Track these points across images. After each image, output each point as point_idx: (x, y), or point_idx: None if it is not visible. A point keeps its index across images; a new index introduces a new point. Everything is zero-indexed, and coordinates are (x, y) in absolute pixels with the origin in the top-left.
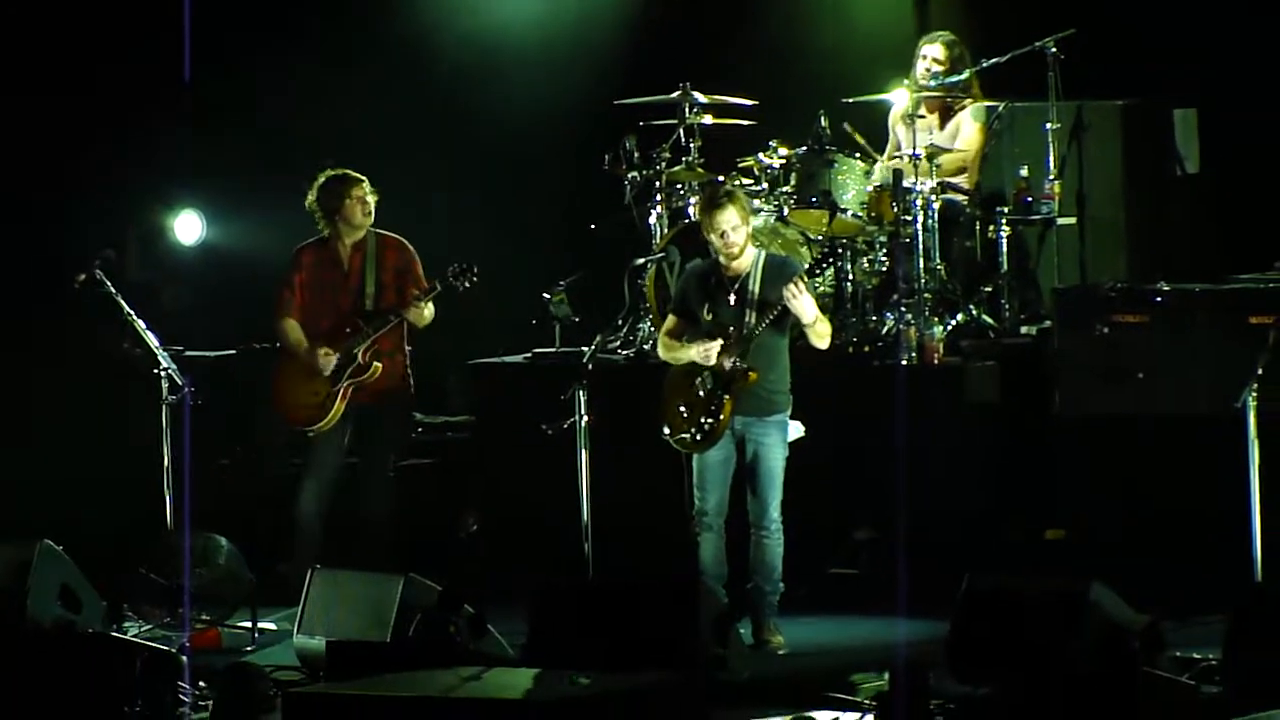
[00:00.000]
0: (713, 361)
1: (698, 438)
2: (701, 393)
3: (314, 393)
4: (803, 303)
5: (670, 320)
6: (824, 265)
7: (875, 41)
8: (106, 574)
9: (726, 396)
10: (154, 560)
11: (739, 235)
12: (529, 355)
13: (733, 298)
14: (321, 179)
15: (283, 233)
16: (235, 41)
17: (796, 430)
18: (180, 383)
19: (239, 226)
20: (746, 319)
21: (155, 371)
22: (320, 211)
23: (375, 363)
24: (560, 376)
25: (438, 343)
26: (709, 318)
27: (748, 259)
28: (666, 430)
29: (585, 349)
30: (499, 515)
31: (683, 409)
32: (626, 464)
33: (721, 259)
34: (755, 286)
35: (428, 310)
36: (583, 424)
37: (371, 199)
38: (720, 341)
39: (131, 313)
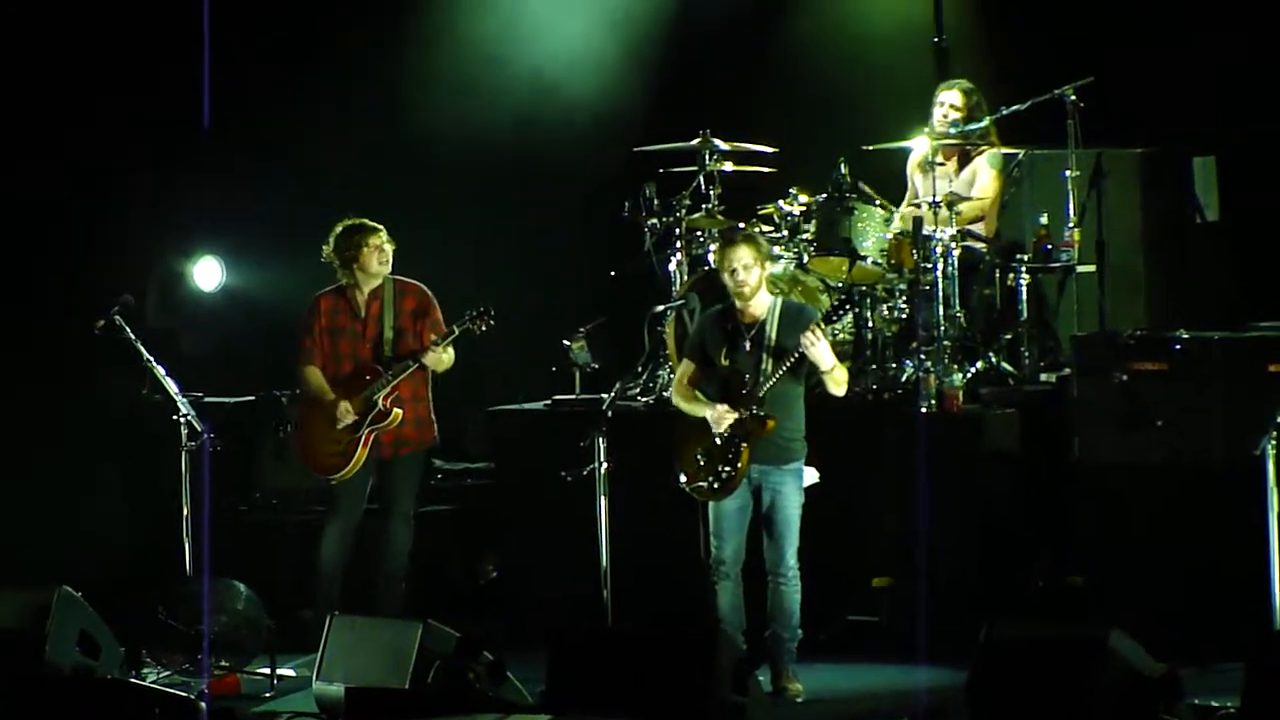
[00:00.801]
0: (722, 429)
1: (715, 486)
2: (719, 441)
3: (336, 440)
4: (820, 350)
5: (685, 365)
6: (841, 312)
7: (895, 89)
8: (125, 620)
9: (744, 445)
10: (172, 606)
11: (751, 275)
12: (549, 402)
13: (749, 344)
14: (339, 228)
15: (303, 278)
16: (256, 87)
17: (811, 476)
18: (199, 429)
19: (259, 272)
20: (763, 366)
21: (175, 418)
22: (338, 260)
23: (395, 409)
24: (580, 423)
25: (458, 389)
26: (726, 363)
27: (764, 305)
28: (684, 478)
29: (605, 396)
30: (518, 562)
31: (700, 457)
32: (645, 511)
33: (736, 302)
34: (772, 333)
35: (446, 355)
36: (602, 471)
37: (389, 247)
38: (734, 415)
39: (151, 359)
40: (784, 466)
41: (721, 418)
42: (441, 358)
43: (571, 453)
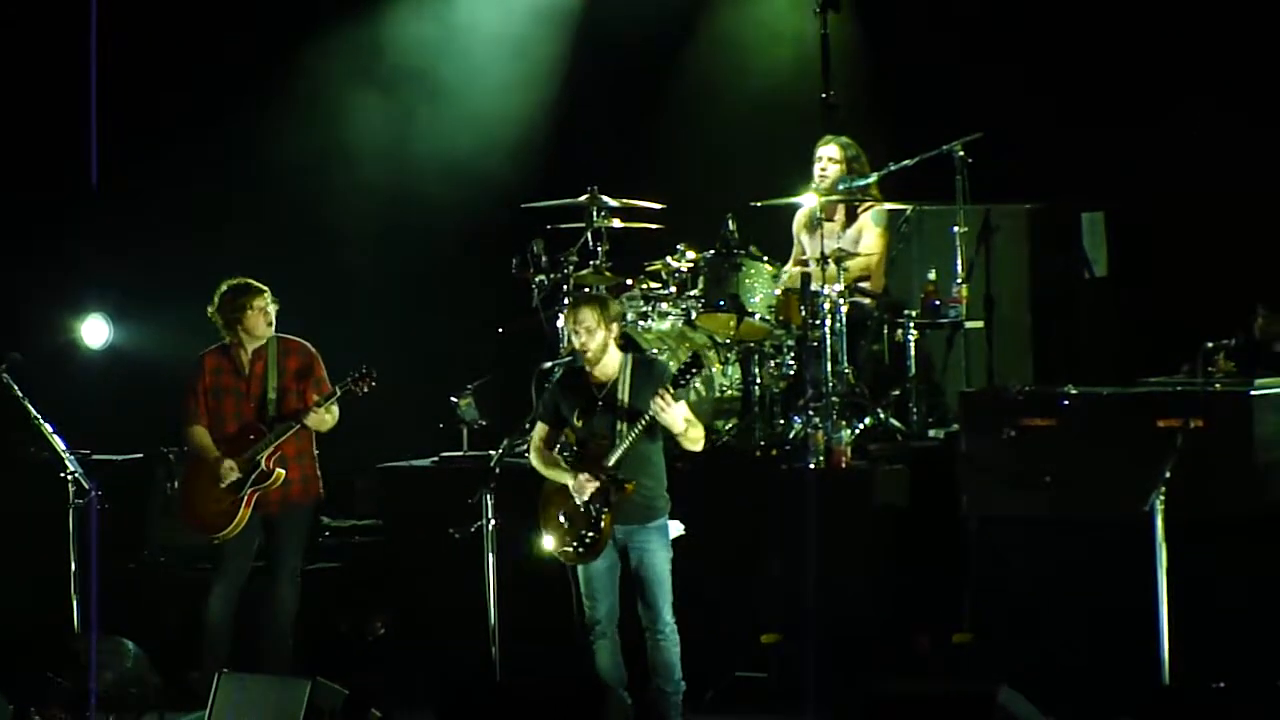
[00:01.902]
0: (585, 498)
1: (580, 550)
2: (580, 505)
3: (219, 500)
4: (672, 414)
5: (540, 429)
6: (689, 375)
7: (783, 146)
8: (13, 678)
9: (605, 510)
10: (61, 664)
11: (594, 338)
12: (437, 459)
13: (601, 404)
14: (223, 288)
15: (191, 336)
16: (143, 145)
17: (677, 529)
18: (87, 486)
19: (147, 330)
20: (618, 427)
21: (62, 475)
22: (221, 320)
23: (279, 469)
24: (468, 480)
25: (346, 446)
26: (579, 424)
27: (614, 364)
28: (549, 543)
29: (493, 453)
30: (407, 618)
31: (563, 520)
32: (533, 567)
33: (586, 365)
34: (624, 393)
35: (329, 415)
36: (490, 527)
37: (273, 309)
38: (595, 484)
39: (38, 416)
40: (648, 525)
41: (583, 487)
42: (324, 418)
43: (460, 510)
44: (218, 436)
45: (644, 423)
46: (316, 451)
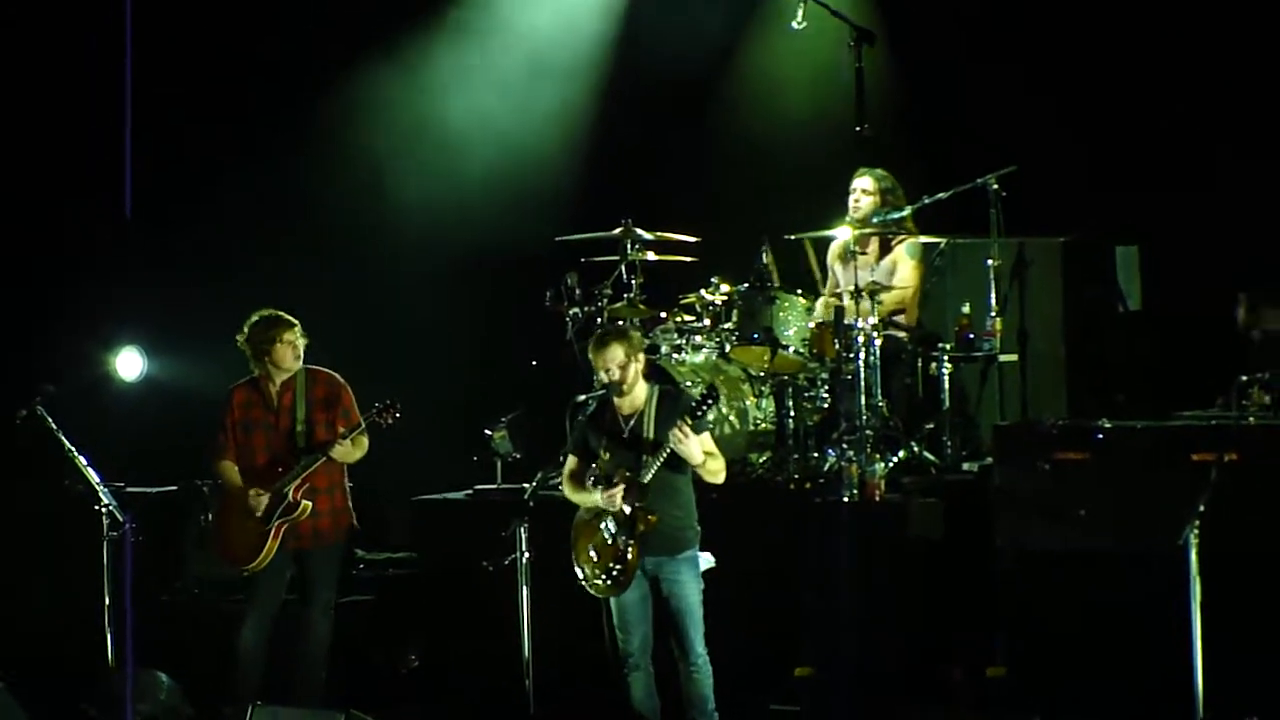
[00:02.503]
0: (617, 506)
1: (609, 582)
2: (608, 537)
3: (248, 532)
4: (690, 446)
5: (570, 462)
6: (705, 405)
7: (818, 179)
8: (48, 711)
9: (632, 541)
10: (95, 696)
11: (626, 373)
12: (471, 492)
13: (629, 436)
14: (253, 319)
15: (225, 368)
16: (177, 177)
17: (707, 561)
18: (121, 519)
19: (182, 362)
20: (644, 458)
21: (97, 508)
22: (250, 351)
23: (305, 501)
24: (502, 513)
25: (380, 479)
26: (606, 457)
27: (640, 396)
28: (580, 575)
29: (527, 486)
30: (440, 650)
31: (593, 553)
32: (567, 599)
33: (614, 397)
34: (650, 424)
35: (356, 447)
36: (524, 560)
37: (301, 342)
38: (622, 487)
39: (73, 449)
40: (677, 556)
41: (613, 496)
42: (350, 450)
43: (493, 542)
44: (248, 469)
45: (667, 453)
46: (350, 484)
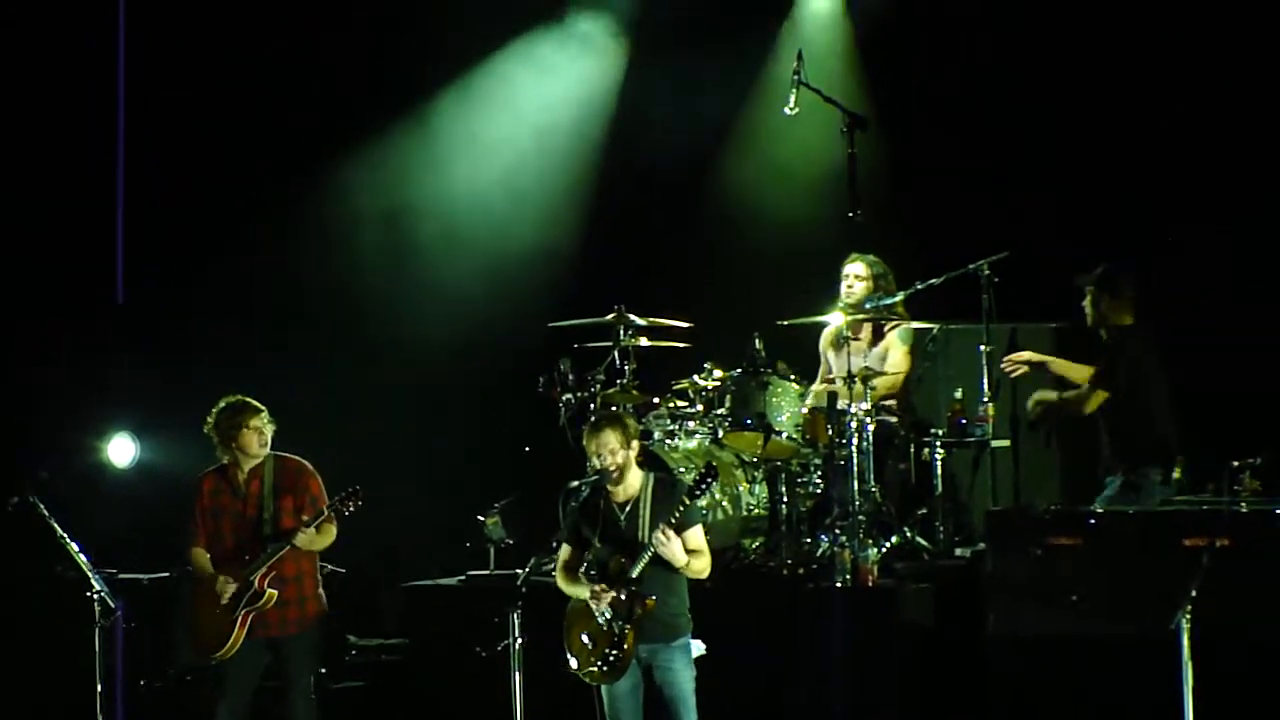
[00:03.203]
0: (604, 607)
1: (604, 669)
2: (603, 624)
3: (217, 620)
4: (673, 548)
5: (564, 551)
6: (704, 485)
7: (810, 265)
8: None
9: (628, 627)
10: None
11: (618, 458)
12: (463, 577)
13: (624, 523)
14: (221, 405)
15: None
16: (169, 261)
17: (699, 648)
18: (113, 605)
19: (173, 448)
20: (639, 547)
21: (88, 594)
22: (217, 439)
23: (271, 590)
24: (494, 599)
25: (372, 564)
26: (599, 546)
27: (636, 482)
28: (574, 664)
29: (519, 571)
30: None
31: (586, 640)
32: (560, 687)
33: (608, 485)
34: (645, 511)
35: (320, 535)
36: (516, 646)
37: (269, 429)
38: (611, 594)
39: (65, 535)
40: (672, 644)
41: (599, 597)
42: (315, 539)
43: (486, 628)
44: (218, 556)
45: (651, 554)
46: (326, 568)
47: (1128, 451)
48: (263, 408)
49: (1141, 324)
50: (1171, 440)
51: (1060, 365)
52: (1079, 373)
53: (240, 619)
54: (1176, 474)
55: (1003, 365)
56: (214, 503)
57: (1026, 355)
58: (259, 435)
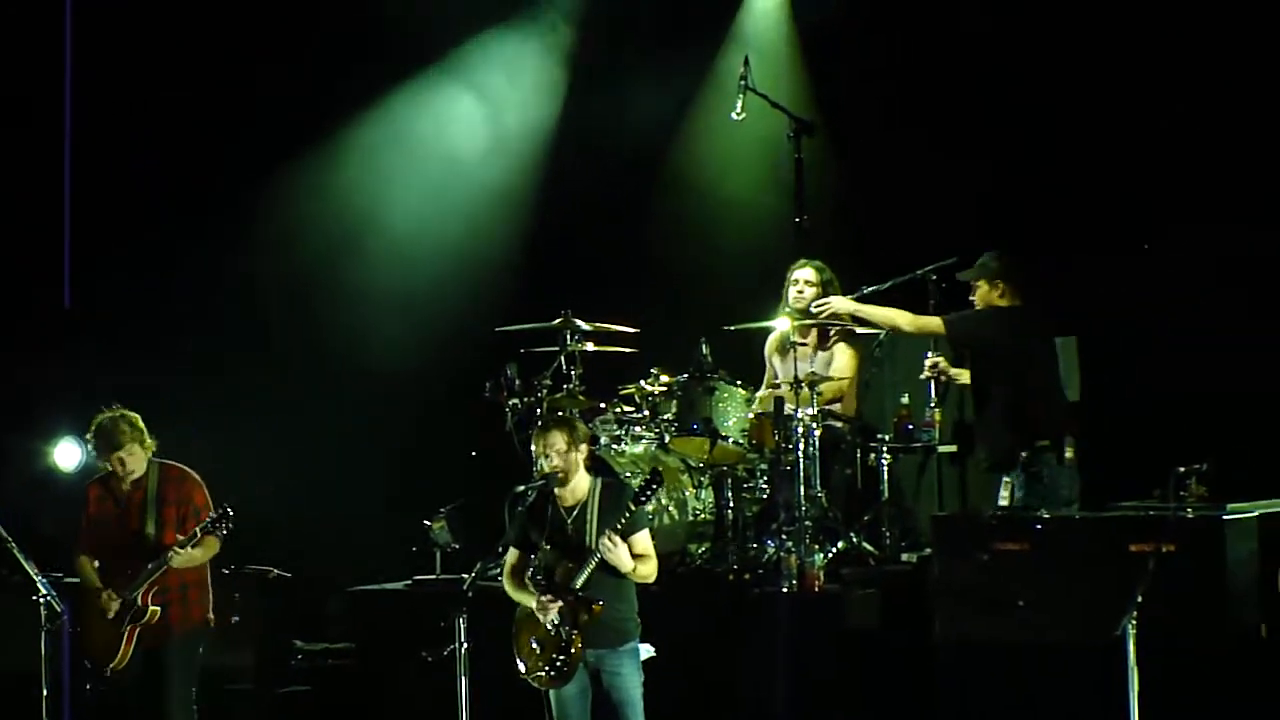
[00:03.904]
0: (550, 616)
1: (551, 674)
2: (551, 629)
3: (105, 632)
4: (619, 554)
5: (511, 555)
6: (649, 491)
7: (756, 270)
8: None
9: (575, 632)
10: None
11: (567, 460)
12: (409, 582)
13: (571, 528)
14: (100, 419)
15: (166, 455)
16: (116, 266)
17: (647, 651)
18: (59, 609)
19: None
20: (580, 563)
21: (35, 599)
22: (96, 452)
23: (154, 607)
24: (441, 603)
25: (318, 569)
26: (547, 549)
27: (583, 486)
28: (522, 668)
29: (465, 576)
30: None
31: (534, 645)
32: (507, 691)
33: (555, 488)
34: (593, 516)
35: (197, 552)
36: (463, 651)
37: (150, 445)
38: (558, 604)
39: (9, 539)
40: (619, 648)
41: (545, 607)
42: (192, 555)
43: (433, 633)
44: (103, 566)
45: (597, 560)
46: (206, 577)
47: (1019, 441)
48: (139, 427)
49: (1027, 308)
50: (1061, 422)
51: (873, 313)
52: (890, 317)
53: (127, 634)
54: (1069, 455)
55: (814, 309)
56: (99, 511)
57: (836, 303)
58: (137, 454)
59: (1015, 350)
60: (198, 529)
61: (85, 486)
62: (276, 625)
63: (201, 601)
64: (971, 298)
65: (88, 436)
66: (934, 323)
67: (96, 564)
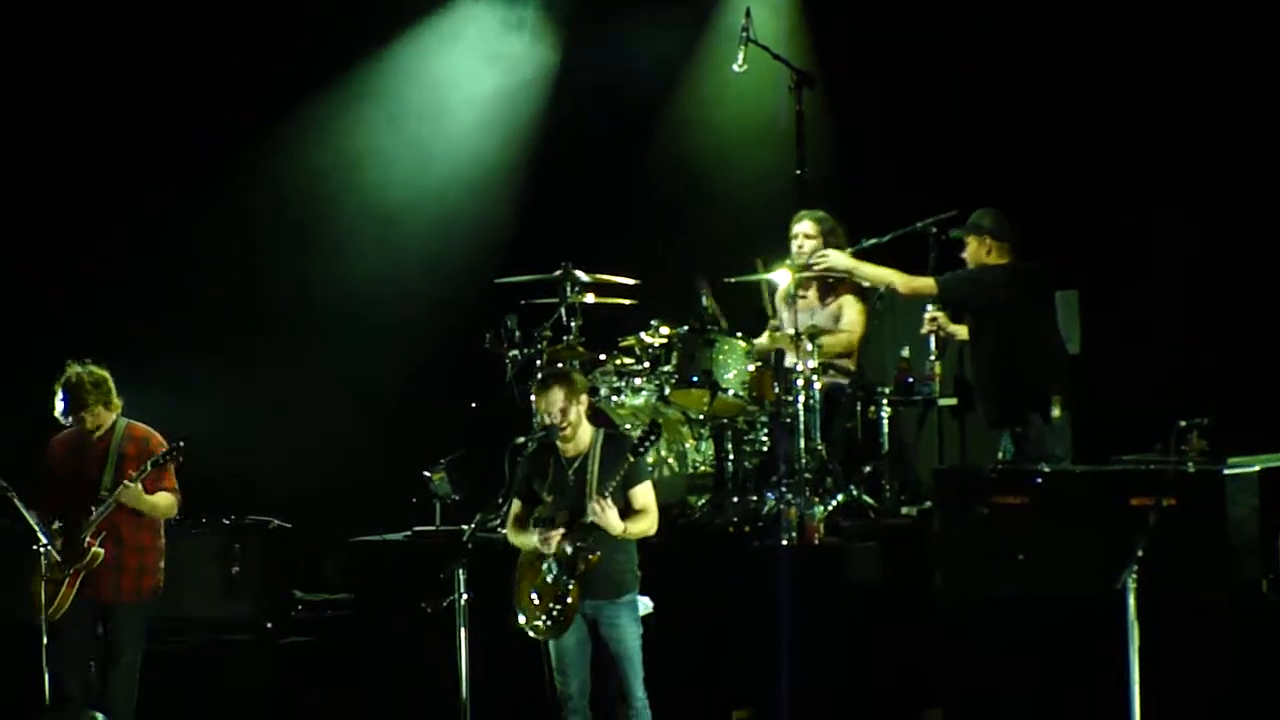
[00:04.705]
0: (553, 549)
1: (548, 624)
2: (549, 579)
3: (50, 579)
4: (607, 518)
5: (515, 505)
6: (648, 442)
7: (757, 222)
8: None
9: (572, 582)
10: None
11: (568, 416)
12: (409, 533)
13: (572, 479)
14: (68, 376)
15: (178, 401)
16: (120, 214)
17: (646, 605)
18: (57, 558)
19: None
20: (588, 501)
21: (35, 548)
22: (63, 407)
23: (96, 549)
24: (440, 554)
25: (318, 520)
26: (549, 499)
27: (585, 438)
28: (521, 618)
29: (465, 527)
30: (378, 693)
31: (534, 595)
32: (506, 642)
33: (556, 440)
34: (594, 467)
35: (162, 499)
36: (462, 602)
37: (117, 405)
38: (561, 530)
39: (10, 488)
40: (617, 600)
41: (549, 538)
42: (141, 496)
43: (432, 584)
44: (65, 525)
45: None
46: (161, 545)
47: (1009, 401)
48: (107, 390)
49: (1015, 264)
50: (1051, 381)
51: (868, 271)
52: (885, 275)
53: (69, 579)
54: (1056, 414)
55: (811, 262)
56: (61, 464)
57: (833, 258)
58: (84, 424)
59: (1004, 309)
60: (148, 462)
61: (48, 443)
62: (277, 576)
63: (154, 570)
64: (963, 254)
65: (55, 387)
66: (926, 284)
67: (57, 524)
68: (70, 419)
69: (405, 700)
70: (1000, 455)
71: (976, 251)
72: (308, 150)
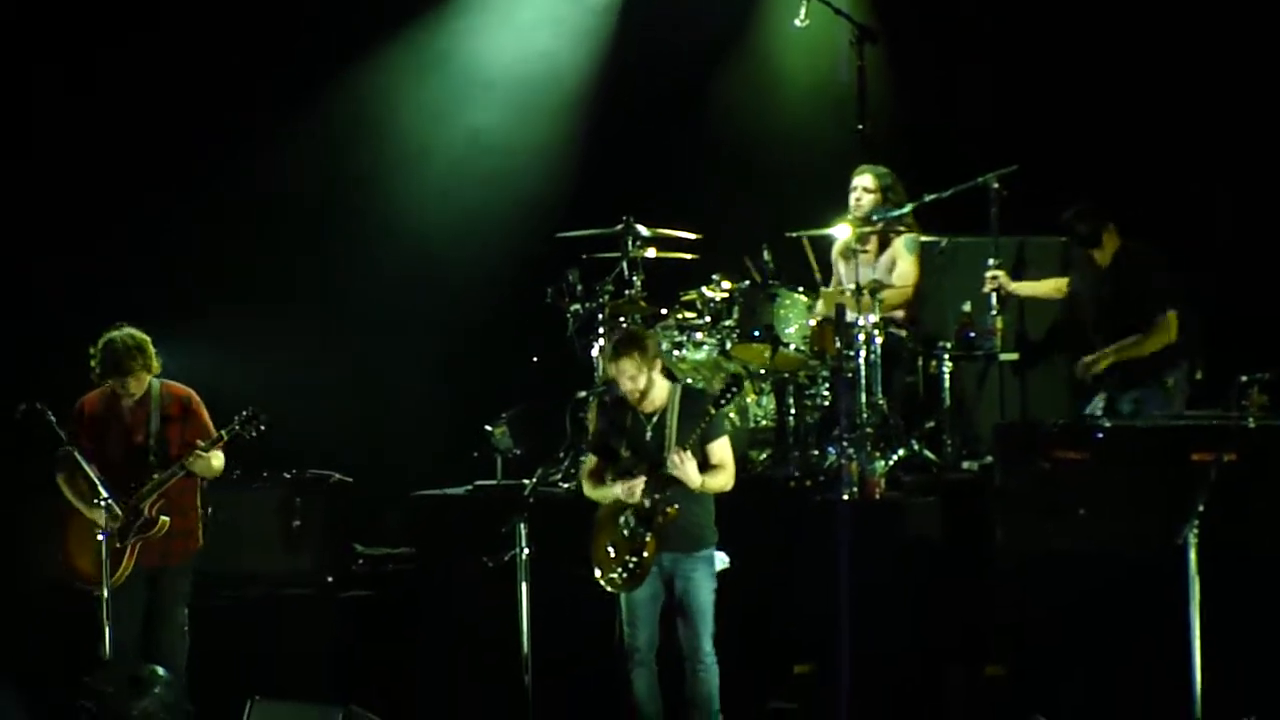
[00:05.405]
0: (636, 498)
1: (624, 576)
2: (626, 532)
3: (100, 548)
4: (686, 469)
5: (590, 460)
6: (730, 394)
7: (819, 176)
8: (46, 707)
9: (649, 535)
10: (92, 693)
11: (639, 382)
12: (470, 487)
13: (650, 433)
14: (109, 340)
15: (234, 357)
16: (176, 170)
17: (722, 561)
18: (119, 513)
19: (181, 355)
20: (667, 454)
21: (95, 503)
22: (99, 372)
23: (163, 517)
24: (502, 509)
25: (379, 474)
26: (627, 454)
27: (662, 393)
28: (597, 572)
29: (527, 482)
30: (439, 647)
31: (610, 548)
32: (567, 596)
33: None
34: (673, 420)
35: (216, 460)
36: (523, 556)
37: (155, 367)
38: (643, 479)
39: (73, 447)
40: (695, 554)
41: (632, 487)
42: (211, 463)
43: (493, 538)
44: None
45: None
46: (200, 505)
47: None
48: (149, 356)
49: (1133, 240)
50: (1192, 342)
51: (1029, 288)
52: (1047, 287)
53: (130, 548)
54: (1198, 375)
55: (988, 278)
56: (96, 428)
57: (1001, 279)
58: (125, 387)
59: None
60: (223, 431)
61: (80, 403)
62: (337, 530)
63: (197, 531)
64: (1093, 254)
65: (93, 351)
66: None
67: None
68: (105, 380)
69: (465, 654)
70: (1089, 413)
71: (1110, 241)
72: (375, 97)
